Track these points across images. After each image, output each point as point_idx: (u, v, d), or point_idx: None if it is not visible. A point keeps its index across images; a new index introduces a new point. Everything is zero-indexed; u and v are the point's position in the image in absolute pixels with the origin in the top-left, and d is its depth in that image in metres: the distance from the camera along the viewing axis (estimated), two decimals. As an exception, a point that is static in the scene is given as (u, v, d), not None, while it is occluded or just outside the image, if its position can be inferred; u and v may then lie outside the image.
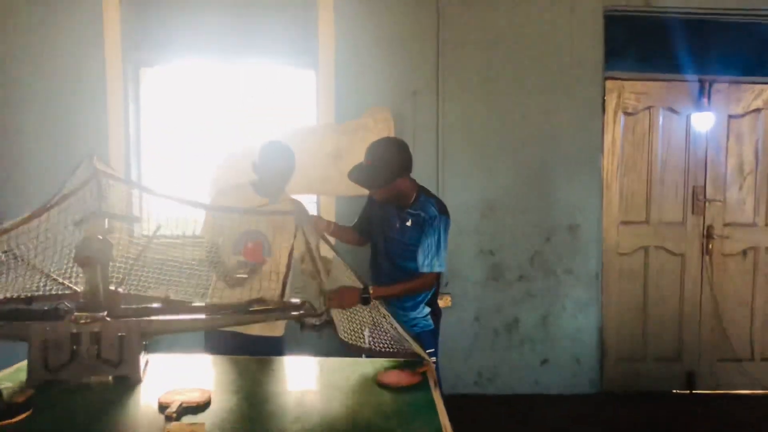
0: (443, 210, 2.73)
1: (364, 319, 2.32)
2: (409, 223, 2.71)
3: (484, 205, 4.21)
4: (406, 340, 2.19)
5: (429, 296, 2.80)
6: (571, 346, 4.30)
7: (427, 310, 2.80)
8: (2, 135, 3.98)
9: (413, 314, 2.77)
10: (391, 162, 2.64)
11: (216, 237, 2.76)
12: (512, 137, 4.20)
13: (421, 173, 2.96)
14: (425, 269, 2.66)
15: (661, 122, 4.37)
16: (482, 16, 4.17)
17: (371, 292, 2.35)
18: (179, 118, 4.21)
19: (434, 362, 2.79)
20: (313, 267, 2.19)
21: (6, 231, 1.83)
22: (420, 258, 2.66)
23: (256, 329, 2.67)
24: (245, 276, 2.50)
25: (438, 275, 2.74)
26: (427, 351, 2.75)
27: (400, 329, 2.21)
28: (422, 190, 2.79)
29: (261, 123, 4.17)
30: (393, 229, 2.76)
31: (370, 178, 2.64)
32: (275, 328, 2.81)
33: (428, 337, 2.80)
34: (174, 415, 1.60)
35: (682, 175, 4.39)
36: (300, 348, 2.66)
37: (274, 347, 2.73)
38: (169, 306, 2.01)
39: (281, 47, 4.14)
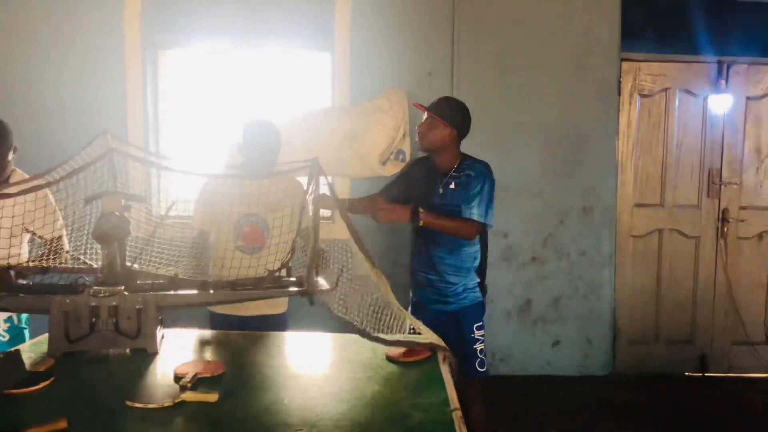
0: (491, 170, 2.81)
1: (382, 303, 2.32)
2: (452, 186, 2.75)
3: (497, 185, 4.15)
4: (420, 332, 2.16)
5: (478, 262, 2.84)
6: (584, 327, 4.32)
7: (477, 280, 2.85)
8: (21, 113, 4.04)
9: (464, 281, 2.81)
10: (454, 108, 2.81)
11: (207, 226, 2.76)
12: (527, 119, 4.20)
13: (434, 154, 3.00)
14: (478, 218, 2.70)
15: (677, 104, 4.34)
16: (498, -3, 4.16)
17: (422, 212, 2.57)
18: (197, 100, 4.27)
19: (482, 335, 2.85)
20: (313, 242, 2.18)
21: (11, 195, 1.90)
22: (473, 208, 2.69)
23: (257, 309, 2.68)
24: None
25: (482, 229, 2.76)
26: (476, 325, 2.83)
27: (418, 323, 2.16)
28: (467, 156, 2.86)
29: (277, 105, 4.21)
30: (435, 195, 2.79)
31: (435, 105, 2.79)
32: (277, 306, 2.81)
33: (477, 310, 2.87)
34: (189, 385, 1.65)
35: (697, 158, 4.37)
36: (305, 324, 2.70)
37: (277, 325, 2.75)
38: (178, 284, 2.05)
39: (297, 30, 4.16)
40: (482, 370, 2.83)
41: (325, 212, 3.10)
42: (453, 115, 2.78)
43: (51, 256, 2.26)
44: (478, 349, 2.82)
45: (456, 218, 2.71)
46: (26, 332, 2.79)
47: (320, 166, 2.19)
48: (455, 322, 2.76)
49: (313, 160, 2.21)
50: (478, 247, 2.84)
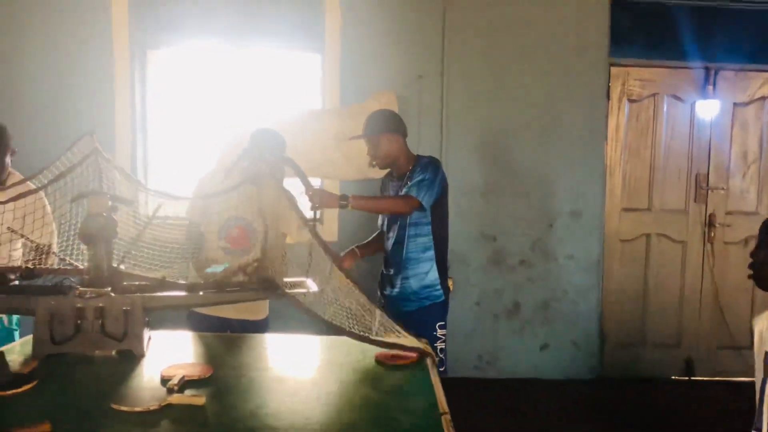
0: (437, 161, 2.88)
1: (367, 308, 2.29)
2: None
3: (487, 189, 4.23)
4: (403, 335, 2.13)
5: (432, 253, 2.85)
6: (571, 331, 4.33)
7: (436, 276, 2.85)
8: (8, 111, 3.99)
9: (423, 277, 2.83)
10: (381, 117, 2.86)
11: (200, 218, 2.72)
12: (516, 122, 4.22)
13: (425, 156, 3.02)
14: (411, 192, 2.72)
15: (665, 109, 4.37)
16: (488, 1, 4.17)
17: (351, 199, 2.61)
18: (186, 100, 4.24)
19: (444, 335, 2.87)
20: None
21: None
22: (413, 188, 2.73)
23: (237, 313, 2.66)
24: (217, 271, 2.45)
25: (417, 206, 2.74)
26: (439, 324, 2.85)
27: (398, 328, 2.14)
28: (419, 156, 2.92)
29: (267, 105, 4.20)
30: None
31: (365, 127, 2.85)
32: (258, 312, 2.80)
33: (439, 309, 2.89)
34: (176, 387, 1.63)
35: (685, 163, 4.40)
36: (287, 330, 2.68)
37: (258, 330, 2.71)
38: (166, 286, 2.03)
39: (287, 31, 4.16)
40: (441, 369, 2.84)
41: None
42: (386, 123, 2.84)
43: (39, 259, 2.23)
44: (439, 348, 2.84)
45: (389, 197, 2.81)
46: (16, 333, 2.75)
47: (289, 158, 2.13)
48: (417, 322, 2.72)
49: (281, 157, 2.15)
50: (427, 239, 2.84)
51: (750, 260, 1.83)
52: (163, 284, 2.04)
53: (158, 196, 2.19)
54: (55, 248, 2.39)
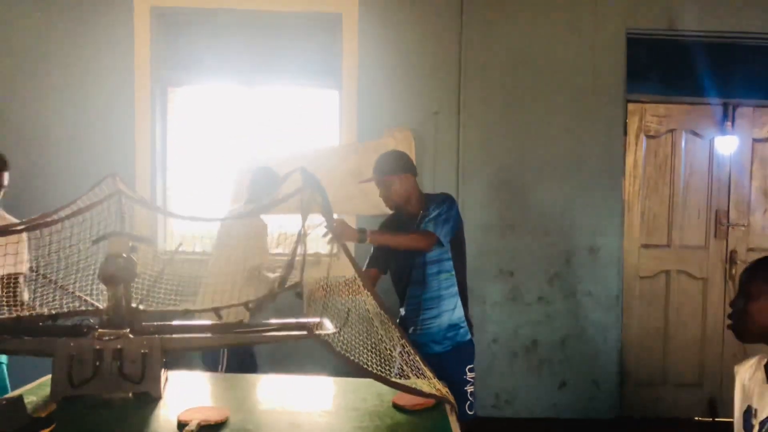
0: (451, 196, 2.87)
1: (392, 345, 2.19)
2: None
3: (503, 225, 4.20)
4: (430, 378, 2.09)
5: (456, 289, 2.82)
6: (590, 369, 4.25)
7: (462, 311, 2.82)
8: (30, 147, 4.07)
9: (449, 315, 2.79)
10: (391, 158, 2.85)
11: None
12: (533, 158, 4.21)
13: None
14: (428, 227, 2.70)
15: (683, 145, 4.34)
16: (504, 38, 4.20)
17: (368, 233, 2.57)
18: (205, 137, 4.29)
19: (473, 377, 2.82)
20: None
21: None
22: (430, 223, 2.71)
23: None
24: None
25: (437, 243, 2.71)
26: (468, 366, 2.82)
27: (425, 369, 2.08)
28: (429, 194, 2.93)
29: (285, 142, 4.24)
30: None
31: (375, 170, 2.83)
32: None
33: (468, 349, 2.85)
34: (192, 433, 1.62)
35: (704, 199, 4.35)
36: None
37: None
38: (188, 314, 2.04)
39: (306, 68, 4.23)
40: (471, 413, 2.80)
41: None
42: (396, 164, 2.83)
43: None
44: (469, 391, 2.79)
45: (407, 233, 2.75)
46: (4, 366, 2.75)
47: (311, 174, 2.11)
48: (445, 366, 2.63)
49: (299, 169, 2.15)
50: (449, 274, 2.81)
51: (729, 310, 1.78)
52: (185, 313, 2.05)
53: (186, 219, 2.24)
54: (22, 283, 2.40)
